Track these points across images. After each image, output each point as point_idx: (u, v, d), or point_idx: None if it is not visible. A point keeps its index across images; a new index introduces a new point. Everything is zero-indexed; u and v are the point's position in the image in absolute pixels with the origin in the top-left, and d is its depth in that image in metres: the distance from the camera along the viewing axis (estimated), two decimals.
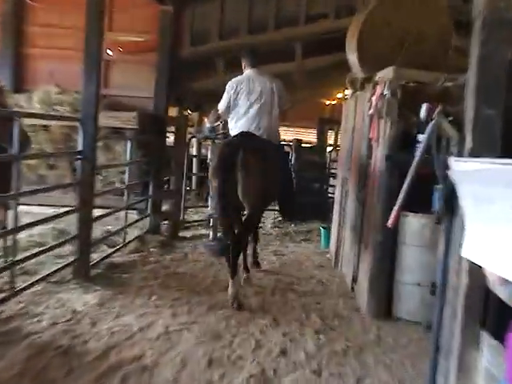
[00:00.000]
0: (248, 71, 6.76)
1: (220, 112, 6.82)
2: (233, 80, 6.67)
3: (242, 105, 6.51)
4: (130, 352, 4.46)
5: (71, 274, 6.30)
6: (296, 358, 4.58)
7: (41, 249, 6.22)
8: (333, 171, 12.87)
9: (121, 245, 7.76)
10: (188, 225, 10.44)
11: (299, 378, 4.22)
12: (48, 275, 5.90)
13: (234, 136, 6.38)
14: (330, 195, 12.38)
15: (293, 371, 4.33)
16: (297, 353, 4.69)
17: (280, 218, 11.84)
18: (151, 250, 8.08)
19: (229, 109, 6.60)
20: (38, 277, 5.81)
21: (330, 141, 17.12)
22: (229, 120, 6.74)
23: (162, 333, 4.92)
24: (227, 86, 6.61)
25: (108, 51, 10.29)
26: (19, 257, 5.56)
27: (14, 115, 5.50)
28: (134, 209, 9.10)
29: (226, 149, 6.07)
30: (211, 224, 9.41)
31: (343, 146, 8.94)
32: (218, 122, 7.69)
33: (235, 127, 6.56)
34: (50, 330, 4.77)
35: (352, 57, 7.22)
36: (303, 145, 13.53)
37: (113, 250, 7.48)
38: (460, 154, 3.32)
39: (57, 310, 5.27)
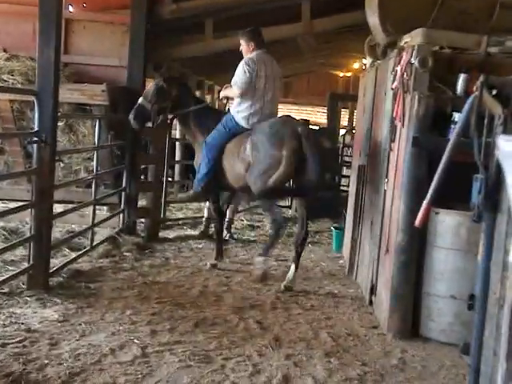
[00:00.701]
0: (259, 52, 7.64)
1: (240, 91, 7.52)
2: (250, 59, 7.54)
3: (260, 88, 7.51)
4: (98, 379, 4.44)
5: (25, 284, 6.28)
6: None
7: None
8: (347, 159, 12.88)
9: (87, 248, 7.74)
10: (170, 223, 10.43)
11: None
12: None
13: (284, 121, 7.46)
14: (343, 188, 12.37)
15: None
16: (303, 380, 4.69)
17: (284, 215, 11.89)
18: (125, 254, 8.07)
19: (247, 89, 7.49)
20: None
21: (344, 122, 17.13)
22: (240, 101, 7.62)
23: (139, 355, 4.90)
24: (245, 66, 7.47)
25: (69, 7, 10.21)
26: None
27: None
28: (103, 204, 9.09)
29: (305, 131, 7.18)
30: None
31: (360, 128, 8.94)
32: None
33: (252, 110, 7.53)
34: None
35: (372, 17, 7.18)
36: (311, 127, 13.53)
37: (77, 254, 7.47)
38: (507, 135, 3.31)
39: (7, 329, 5.23)
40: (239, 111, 7.59)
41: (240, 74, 7.49)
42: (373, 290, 6.58)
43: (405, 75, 5.66)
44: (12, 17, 10.36)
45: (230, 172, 7.62)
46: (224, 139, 7.63)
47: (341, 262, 8.72)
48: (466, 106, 3.65)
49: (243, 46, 7.75)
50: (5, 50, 10.13)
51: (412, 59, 5.51)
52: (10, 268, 6.57)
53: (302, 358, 5.11)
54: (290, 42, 12.97)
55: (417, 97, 5.51)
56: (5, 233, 7.69)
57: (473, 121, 3.59)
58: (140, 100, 8.09)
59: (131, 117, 8.01)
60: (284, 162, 6.92)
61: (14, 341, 4.98)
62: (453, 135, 3.75)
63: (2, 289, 6.05)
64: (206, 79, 16.80)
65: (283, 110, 18.79)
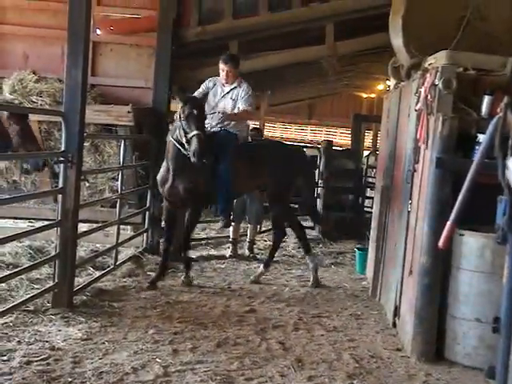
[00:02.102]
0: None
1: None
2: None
3: None
4: None
5: (50, 302, 6.30)
6: None
7: (13, 271, 6.25)
8: (370, 180, 12.85)
9: (111, 267, 7.77)
10: (194, 243, 10.40)
11: None
12: (22, 303, 5.90)
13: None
14: (366, 209, 12.34)
15: None
16: None
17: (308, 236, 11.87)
18: (148, 273, 8.08)
19: None
20: (8, 305, 5.81)
21: (368, 143, 17.11)
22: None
23: (161, 374, 4.89)
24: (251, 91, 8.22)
25: (97, 31, 10.33)
26: None
27: None
28: (127, 223, 9.12)
29: None
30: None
31: (384, 149, 8.92)
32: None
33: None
34: (23, 370, 4.75)
35: (396, 38, 7.19)
36: (335, 148, 13.53)
37: (101, 273, 7.49)
38: None
39: (31, 347, 5.26)
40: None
41: (253, 98, 8.28)
42: (396, 312, 6.52)
43: (429, 97, 5.64)
44: (41, 40, 10.52)
45: None
46: None
47: (364, 283, 8.67)
48: (490, 127, 3.63)
49: (232, 71, 8.18)
50: (34, 72, 10.27)
51: (436, 81, 5.50)
52: (36, 286, 6.60)
53: (324, 379, 5.07)
54: (314, 64, 12.99)
55: (441, 118, 5.49)
56: (31, 251, 7.72)
57: (497, 142, 3.57)
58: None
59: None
60: None
61: (38, 358, 4.99)
62: (477, 156, 3.72)
63: (28, 307, 6.07)
64: None
65: (307, 131, 18.96)
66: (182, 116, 7.25)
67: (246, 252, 10.02)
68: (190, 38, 11.09)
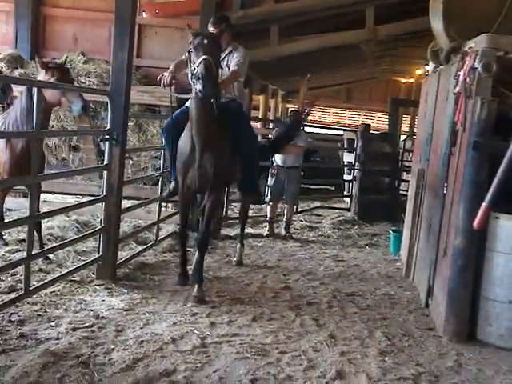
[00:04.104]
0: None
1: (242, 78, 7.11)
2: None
3: None
4: (159, 366, 4.51)
5: (95, 274, 6.42)
6: (356, 383, 4.55)
7: (61, 243, 6.34)
8: (407, 164, 12.78)
9: (152, 242, 7.83)
10: (232, 221, 10.46)
11: None
12: (68, 273, 6.00)
13: None
14: (402, 192, 12.28)
15: None
16: (357, 377, 4.66)
17: (341, 218, 11.86)
18: (188, 249, 8.11)
19: None
20: (56, 275, 5.92)
21: (405, 127, 16.97)
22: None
23: (198, 345, 4.95)
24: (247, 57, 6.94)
25: (143, 14, 10.38)
26: (35, 251, 5.67)
27: (32, 84, 5.62)
28: (169, 201, 9.19)
29: None
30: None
31: (421, 133, 8.86)
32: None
33: None
34: (69, 336, 4.86)
35: (436, 23, 7.11)
36: (372, 131, 13.46)
37: (143, 247, 7.57)
38: None
39: (77, 314, 5.37)
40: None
41: (246, 62, 6.87)
42: (429, 293, 6.49)
43: (468, 80, 5.57)
44: (89, 23, 10.65)
45: None
46: None
47: (398, 264, 8.64)
48: None
49: (224, 34, 6.63)
50: (82, 54, 10.39)
51: (475, 64, 5.42)
52: (82, 258, 6.73)
53: (356, 355, 5.07)
54: (353, 48, 12.93)
55: (479, 101, 5.42)
56: (77, 225, 7.84)
57: None
58: None
59: None
60: None
61: (83, 326, 5.11)
62: None
63: (74, 277, 6.20)
64: (270, 84, 16.84)
65: (345, 114, 18.89)
66: (190, 49, 5.86)
67: (283, 231, 10.04)
68: (232, 21, 11.08)
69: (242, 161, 6.72)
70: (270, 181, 10.16)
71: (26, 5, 11.15)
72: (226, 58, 6.78)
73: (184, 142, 6.25)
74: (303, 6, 11.50)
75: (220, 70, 6.26)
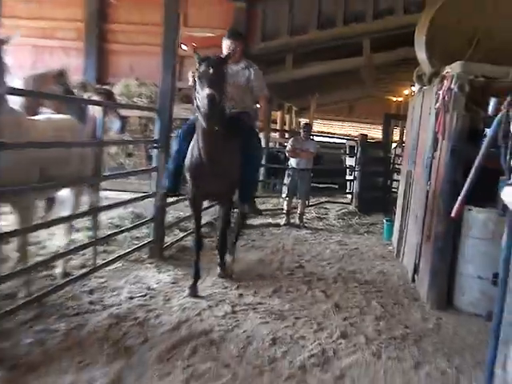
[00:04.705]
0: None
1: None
2: None
3: None
4: (199, 326, 4.59)
5: (147, 254, 6.51)
6: (356, 341, 4.60)
7: (120, 229, 6.45)
8: (397, 166, 12.76)
9: (192, 230, 7.87)
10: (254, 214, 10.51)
11: (359, 360, 4.24)
12: (126, 254, 6.11)
13: None
14: (393, 189, 12.26)
15: (352, 353, 4.36)
16: (357, 336, 4.70)
17: (344, 210, 11.88)
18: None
19: None
20: (116, 255, 6.04)
21: (396, 137, 16.90)
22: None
23: (229, 312, 5.02)
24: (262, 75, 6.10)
25: (183, 46, 10.47)
26: (101, 236, 5.78)
27: (103, 105, 5.75)
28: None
29: None
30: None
31: (408, 141, 8.85)
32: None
33: None
34: (128, 303, 4.98)
35: (420, 52, 7.14)
36: (369, 140, 13.44)
37: (184, 234, 7.61)
38: None
39: (133, 286, 5.48)
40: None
41: (264, 81, 6.10)
42: (415, 270, 6.51)
43: (446, 98, 5.61)
44: (142, 54, 10.82)
45: None
46: None
47: (390, 247, 8.64)
48: (495, 122, 3.62)
49: (239, 48, 5.83)
50: (136, 79, 10.53)
51: (452, 85, 5.46)
52: (136, 242, 6.79)
53: (356, 320, 5.13)
54: (353, 72, 12.92)
55: (455, 115, 5.47)
56: (132, 216, 7.92)
57: (500, 134, 3.56)
58: None
59: None
60: None
61: (138, 295, 5.22)
62: (483, 145, 3.71)
63: (131, 257, 6.29)
64: (286, 102, 16.88)
65: (348, 126, 18.92)
66: (196, 76, 4.97)
67: (297, 221, 10.07)
68: (254, 51, 11.16)
69: (244, 173, 5.59)
70: (287, 180, 10.21)
71: (93, 42, 11.41)
72: (241, 71, 5.83)
73: (193, 151, 5.34)
74: (312, 39, 11.57)
75: (231, 82, 5.35)
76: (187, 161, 5.42)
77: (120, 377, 3.61)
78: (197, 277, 5.57)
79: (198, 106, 4.94)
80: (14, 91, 4.51)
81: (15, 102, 5.46)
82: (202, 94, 4.78)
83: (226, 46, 5.77)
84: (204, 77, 4.83)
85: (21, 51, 11.09)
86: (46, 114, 5.65)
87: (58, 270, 5.51)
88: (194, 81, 5.03)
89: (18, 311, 4.31)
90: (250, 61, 6.10)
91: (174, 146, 5.85)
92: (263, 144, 12.23)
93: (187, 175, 5.50)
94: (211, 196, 5.76)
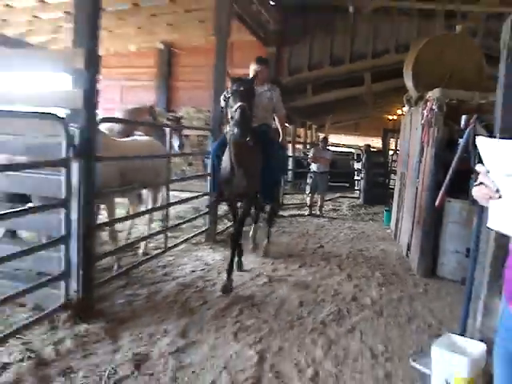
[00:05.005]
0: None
1: None
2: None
3: None
4: (244, 293, 4.68)
5: (204, 239, 6.60)
6: (363, 303, 4.64)
7: (183, 220, 6.57)
8: (393, 169, 12.66)
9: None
10: (285, 207, 10.58)
11: (365, 316, 4.28)
12: (188, 239, 6.19)
13: None
14: (391, 186, 12.18)
15: (361, 311, 4.40)
16: (364, 299, 4.75)
17: (353, 203, 11.84)
18: (260, 224, 8.16)
19: None
20: (182, 239, 6.12)
21: (392, 146, 16.73)
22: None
23: (267, 281, 5.08)
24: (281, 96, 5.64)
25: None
26: (170, 225, 5.89)
27: (175, 128, 5.89)
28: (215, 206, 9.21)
29: None
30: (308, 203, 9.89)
31: (402, 150, 8.80)
32: None
33: None
34: (191, 275, 5.09)
35: (408, 82, 7.14)
36: (371, 149, 13.36)
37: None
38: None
39: (194, 262, 5.58)
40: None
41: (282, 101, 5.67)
42: (409, 248, 6.48)
43: (429, 116, 5.60)
44: (198, 88, 10.95)
45: None
46: None
47: (388, 231, 8.59)
48: (466, 134, 3.64)
49: (264, 72, 5.41)
50: (194, 107, 10.71)
51: (433, 106, 5.45)
52: (195, 229, 6.86)
53: (363, 287, 5.16)
54: (357, 98, 12.87)
55: (436, 129, 5.45)
56: (193, 210, 7.99)
57: (470, 143, 3.58)
58: None
59: None
60: None
61: (198, 269, 5.32)
62: (458, 152, 3.73)
63: (192, 241, 6.35)
64: (307, 121, 16.85)
65: (355, 139, 18.84)
66: (228, 93, 4.60)
67: (317, 212, 10.08)
68: (283, 82, 11.21)
69: (267, 177, 5.12)
70: (309, 180, 10.24)
71: (163, 81, 11.75)
72: (265, 93, 5.40)
73: (225, 161, 4.93)
74: (325, 73, 11.58)
75: (257, 101, 4.93)
76: (222, 169, 4.99)
77: (186, 329, 3.72)
78: (230, 270, 4.87)
79: (231, 118, 4.54)
80: (106, 119, 4.68)
81: (114, 127, 5.72)
82: (234, 107, 4.43)
83: (253, 69, 5.38)
84: (236, 93, 4.53)
85: (113, 90, 12.01)
86: (134, 136, 5.86)
87: (140, 250, 5.66)
88: (225, 102, 4.71)
89: (112, 280, 4.46)
90: (274, 85, 5.70)
91: (211, 163, 5.39)
92: (290, 153, 12.37)
93: (221, 179, 5.05)
94: (238, 196, 5.18)
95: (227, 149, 4.88)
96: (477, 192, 1.60)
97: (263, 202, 5.67)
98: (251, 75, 5.20)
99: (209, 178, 5.90)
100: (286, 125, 8.07)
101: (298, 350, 3.53)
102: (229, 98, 4.58)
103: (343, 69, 11.54)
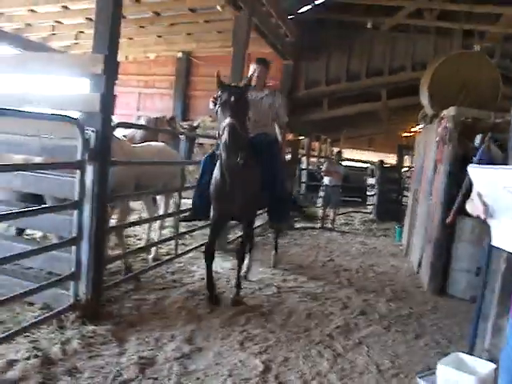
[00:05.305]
0: None
1: None
2: None
3: None
4: (252, 302, 4.66)
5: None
6: (372, 317, 4.59)
7: (194, 228, 6.57)
8: (406, 185, 12.57)
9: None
10: (296, 219, 10.50)
11: (373, 331, 4.24)
12: (199, 246, 6.11)
13: None
14: (403, 203, 12.08)
15: (369, 326, 4.36)
16: (372, 314, 4.69)
17: (365, 218, 11.75)
18: (269, 234, 8.17)
19: None
20: (192, 246, 6.11)
21: (406, 163, 16.61)
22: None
23: (276, 292, 5.05)
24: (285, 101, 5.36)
25: None
26: (181, 231, 5.91)
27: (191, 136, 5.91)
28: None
29: None
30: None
31: (416, 166, 8.76)
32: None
33: None
34: (200, 282, 5.06)
35: (424, 99, 7.15)
36: (385, 165, 13.28)
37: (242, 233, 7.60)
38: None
39: (204, 270, 5.33)
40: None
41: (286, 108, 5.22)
42: (420, 264, 6.42)
43: (443, 134, 5.57)
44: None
45: None
46: None
47: (400, 247, 8.51)
48: (480, 151, 3.62)
49: (264, 74, 4.92)
50: (210, 116, 10.80)
51: (448, 124, 5.43)
52: (205, 237, 6.58)
53: (372, 302, 5.10)
54: (372, 113, 12.86)
55: (451, 146, 5.42)
56: None
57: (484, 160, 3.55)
58: None
59: None
60: None
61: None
62: None
63: (202, 248, 5.97)
64: (322, 134, 16.80)
65: (369, 154, 18.68)
66: (217, 101, 4.01)
67: (329, 225, 10.04)
68: (300, 96, 11.27)
69: (270, 194, 4.61)
70: (322, 194, 10.21)
71: (180, 90, 11.89)
72: (265, 98, 4.89)
73: (216, 175, 4.33)
74: (342, 88, 11.61)
75: (257, 106, 4.60)
76: (211, 186, 4.42)
77: (192, 336, 3.72)
78: (210, 288, 4.56)
79: (219, 135, 3.97)
80: (122, 124, 4.74)
81: (135, 134, 5.78)
82: (223, 124, 3.86)
83: (252, 69, 4.85)
84: (226, 105, 3.90)
85: (131, 96, 12.31)
86: (147, 143, 5.91)
87: (150, 256, 5.67)
88: (214, 104, 4.07)
89: (121, 284, 4.49)
90: (276, 90, 5.32)
91: (201, 174, 4.78)
92: (304, 166, 12.33)
93: (211, 199, 4.48)
94: (233, 216, 4.72)
95: (218, 163, 4.30)
96: (468, 206, 1.83)
97: (271, 221, 5.33)
98: (250, 73, 4.73)
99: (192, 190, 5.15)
100: (301, 137, 8.04)
101: (304, 361, 3.50)
102: (218, 108, 3.98)
103: (360, 84, 11.56)
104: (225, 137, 3.80)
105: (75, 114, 3.59)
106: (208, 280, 4.60)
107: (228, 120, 3.82)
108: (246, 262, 5.35)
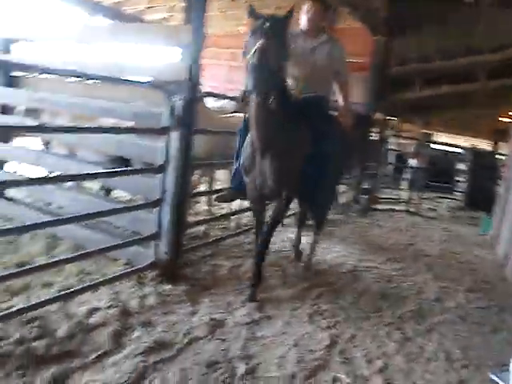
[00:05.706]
0: None
1: None
2: None
3: None
4: (326, 278, 4.63)
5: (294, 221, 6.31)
6: (447, 305, 4.40)
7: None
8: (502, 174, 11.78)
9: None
10: (380, 200, 10.24)
11: (447, 319, 4.07)
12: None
13: None
14: (497, 192, 11.33)
15: (443, 313, 4.18)
16: (448, 301, 4.49)
17: (452, 204, 11.20)
18: (351, 214, 8.07)
19: None
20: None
21: (502, 149, 15.55)
22: None
23: (351, 270, 4.98)
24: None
25: None
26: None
27: None
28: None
29: None
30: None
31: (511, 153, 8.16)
32: None
33: None
34: (276, 254, 5.05)
35: None
36: (480, 151, 12.57)
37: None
38: None
39: (282, 243, 5.51)
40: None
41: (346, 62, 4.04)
42: (507, 257, 6.02)
43: None
44: None
45: None
46: None
47: (487, 237, 7.99)
48: None
49: (320, 16, 3.75)
50: None
51: None
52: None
53: (450, 290, 4.86)
54: (469, 95, 12.12)
55: None
56: None
57: None
58: None
59: None
60: None
61: (284, 250, 5.29)
62: None
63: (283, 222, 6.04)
64: (412, 115, 16.09)
65: (462, 140, 17.61)
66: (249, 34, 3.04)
67: (413, 209, 9.63)
68: (391, 74, 10.85)
69: (311, 173, 3.58)
70: (407, 176, 9.87)
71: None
72: (323, 47, 3.80)
73: (246, 144, 3.55)
74: (436, 68, 11.05)
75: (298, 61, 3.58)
76: (242, 155, 3.61)
77: (263, 304, 3.77)
78: (256, 281, 3.84)
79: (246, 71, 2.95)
80: (208, 94, 4.85)
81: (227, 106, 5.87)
82: (252, 50, 2.89)
83: (304, 10, 3.75)
84: (258, 30, 2.96)
85: (221, 68, 12.87)
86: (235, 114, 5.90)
87: (232, 224, 5.78)
88: (243, 53, 3.07)
89: (199, 248, 4.64)
90: (335, 37, 3.97)
91: (238, 147, 3.85)
92: (392, 146, 11.89)
93: (242, 169, 3.66)
94: (263, 196, 3.71)
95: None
96: None
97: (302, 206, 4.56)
98: (302, 22, 3.76)
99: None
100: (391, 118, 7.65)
101: (371, 341, 3.45)
102: (248, 41, 3.02)
103: (454, 64, 10.88)
104: (253, 60, 2.83)
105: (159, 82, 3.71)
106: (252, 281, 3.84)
107: (260, 42, 2.87)
108: (311, 241, 4.85)
